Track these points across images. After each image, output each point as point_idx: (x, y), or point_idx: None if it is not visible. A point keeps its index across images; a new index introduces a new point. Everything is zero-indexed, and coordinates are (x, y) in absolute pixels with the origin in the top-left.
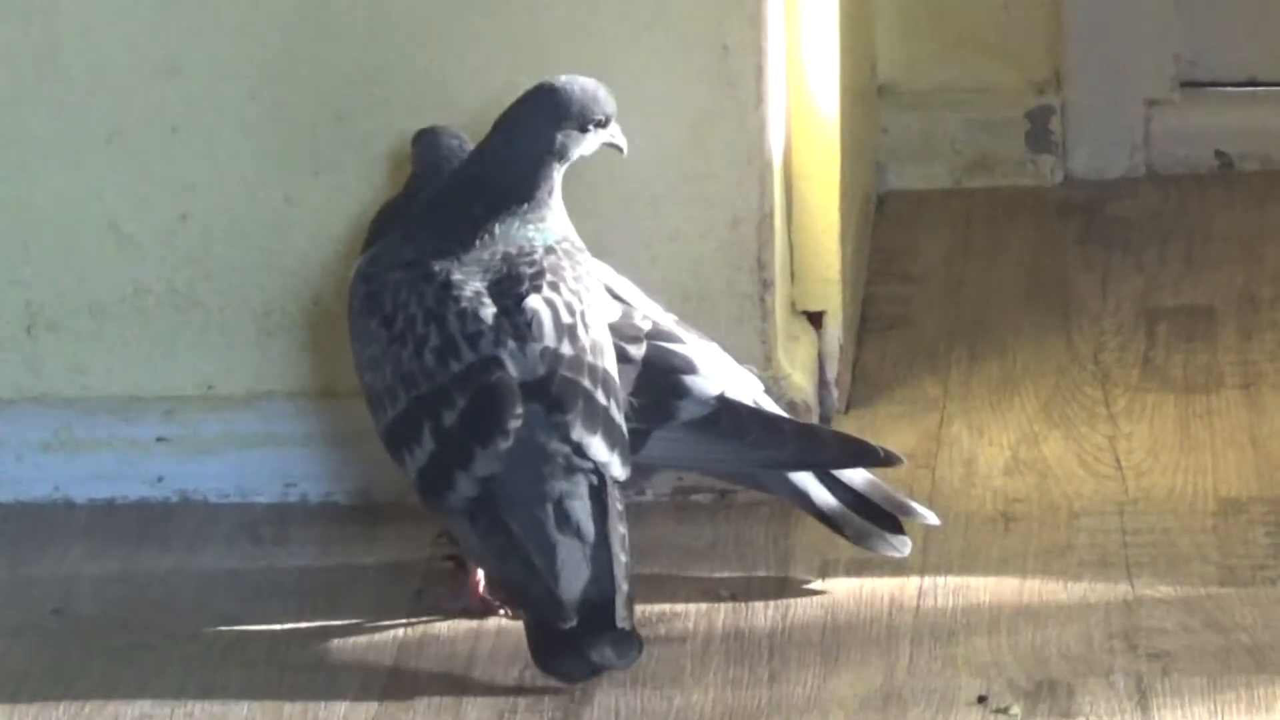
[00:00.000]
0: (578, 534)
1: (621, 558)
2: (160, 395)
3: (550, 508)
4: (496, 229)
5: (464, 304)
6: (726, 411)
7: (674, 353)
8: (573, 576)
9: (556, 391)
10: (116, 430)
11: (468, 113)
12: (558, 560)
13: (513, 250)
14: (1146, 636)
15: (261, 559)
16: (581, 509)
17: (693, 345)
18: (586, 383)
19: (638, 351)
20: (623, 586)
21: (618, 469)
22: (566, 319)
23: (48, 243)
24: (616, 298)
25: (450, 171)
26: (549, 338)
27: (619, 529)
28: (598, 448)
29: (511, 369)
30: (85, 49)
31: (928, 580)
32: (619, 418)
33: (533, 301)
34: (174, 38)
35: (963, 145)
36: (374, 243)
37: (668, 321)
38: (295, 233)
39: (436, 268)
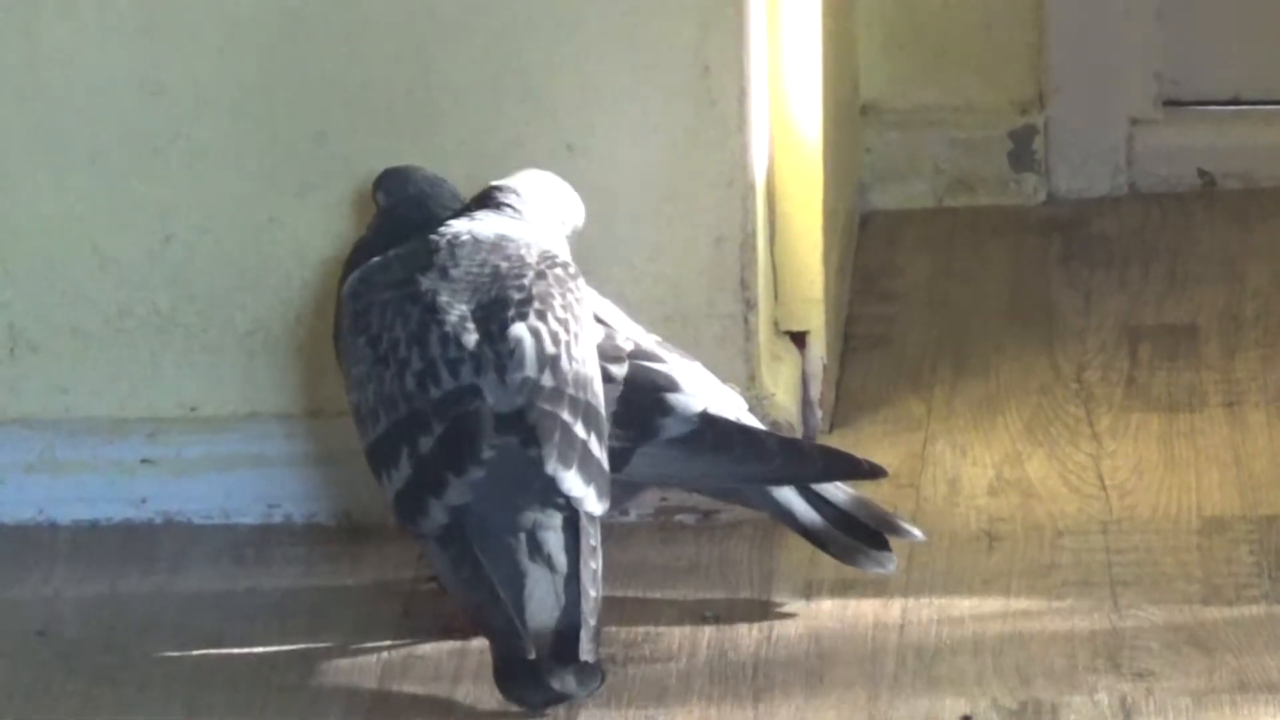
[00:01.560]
0: (549, 564)
1: (591, 592)
2: (143, 417)
3: (523, 537)
4: (490, 239)
5: (448, 329)
6: (710, 428)
7: (657, 371)
8: (540, 606)
9: (532, 424)
10: (100, 452)
11: (449, 131)
12: (526, 588)
13: (503, 265)
14: (1131, 656)
15: (245, 580)
16: (555, 540)
17: (675, 364)
18: (565, 415)
19: (620, 371)
20: (589, 621)
21: (593, 504)
22: (550, 349)
23: (30, 264)
24: (598, 320)
25: (459, 209)
26: (530, 368)
27: (591, 564)
28: (572, 482)
29: (489, 398)
30: (67, 70)
31: (911, 600)
32: (599, 452)
33: (517, 330)
34: (156, 59)
35: (945, 164)
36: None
37: (649, 342)
38: (278, 253)
39: (424, 288)
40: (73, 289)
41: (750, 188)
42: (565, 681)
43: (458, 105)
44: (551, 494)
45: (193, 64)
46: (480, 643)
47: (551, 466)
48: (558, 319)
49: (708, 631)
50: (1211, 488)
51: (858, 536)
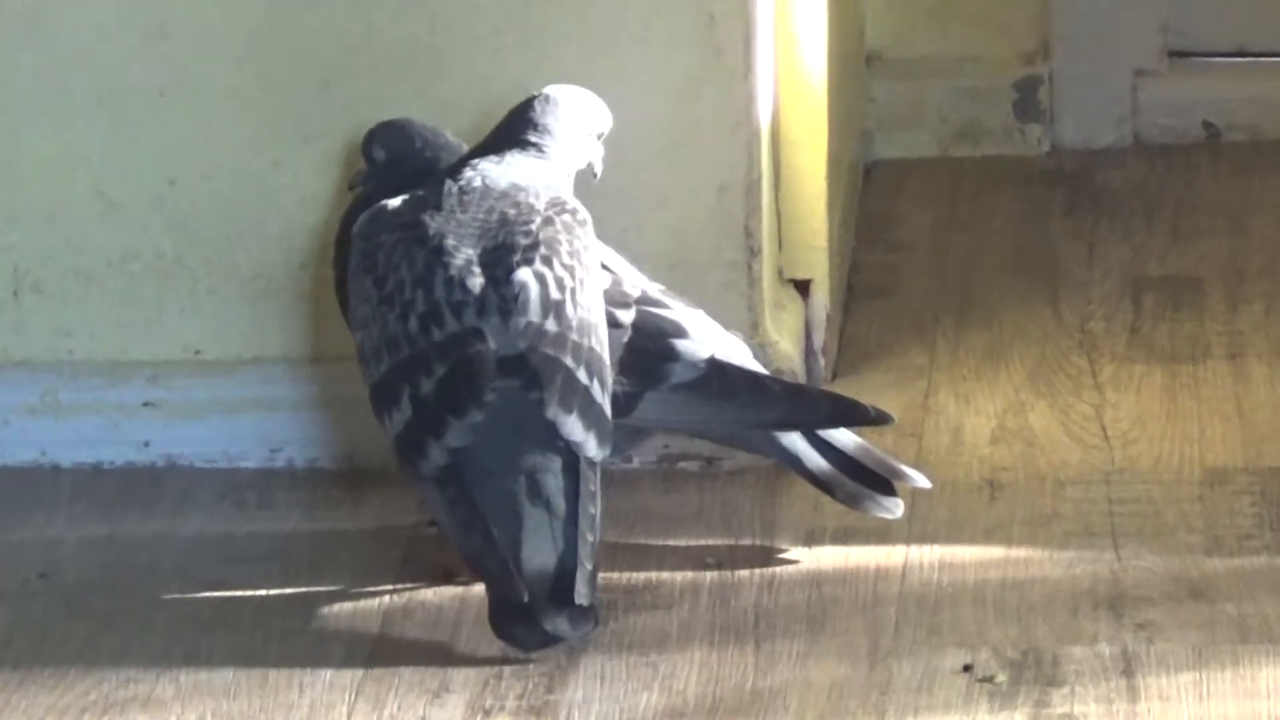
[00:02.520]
0: (548, 507)
1: (589, 537)
2: (147, 360)
3: (523, 480)
4: (501, 186)
5: (453, 272)
6: (717, 374)
7: (664, 317)
8: (537, 548)
9: (534, 367)
10: (103, 395)
11: (452, 78)
12: (523, 530)
13: (511, 212)
14: (1132, 606)
15: (247, 524)
16: (554, 484)
17: (680, 311)
18: (568, 361)
19: (627, 317)
20: (586, 565)
21: (593, 449)
22: (555, 295)
23: (35, 207)
24: (604, 267)
25: (469, 150)
26: (534, 312)
27: (589, 509)
28: (572, 427)
29: (492, 342)
30: (73, 13)
31: (913, 549)
32: (601, 398)
33: (522, 274)
34: (162, 3)
35: (950, 114)
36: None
37: (654, 289)
38: (282, 198)
39: (431, 230)
40: (77, 232)
41: (755, 135)
42: (558, 624)
43: (462, 53)
44: (551, 438)
45: (199, 9)
46: (481, 588)
47: (552, 411)
48: (564, 265)
49: (709, 579)
50: (1214, 439)
51: (864, 482)
